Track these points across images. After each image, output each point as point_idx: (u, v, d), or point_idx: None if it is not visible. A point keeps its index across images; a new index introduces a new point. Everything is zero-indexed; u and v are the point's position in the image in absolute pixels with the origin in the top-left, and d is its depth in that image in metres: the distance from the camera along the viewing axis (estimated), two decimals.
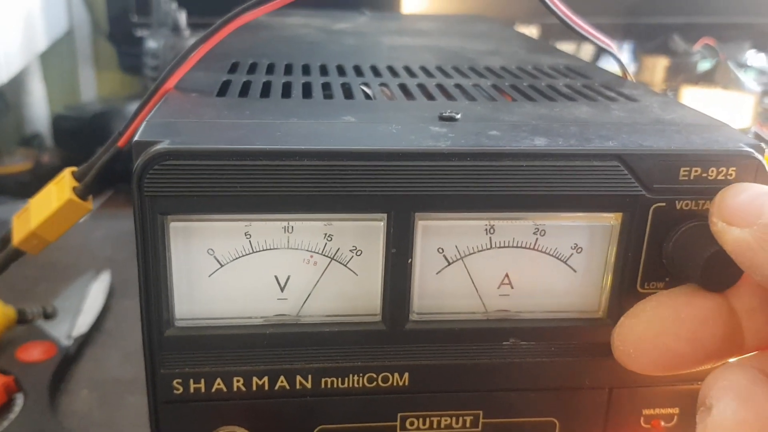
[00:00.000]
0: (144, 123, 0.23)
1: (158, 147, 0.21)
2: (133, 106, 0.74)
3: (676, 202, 0.23)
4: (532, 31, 0.77)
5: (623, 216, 0.24)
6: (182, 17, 0.63)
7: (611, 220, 0.24)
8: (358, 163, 0.22)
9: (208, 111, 0.25)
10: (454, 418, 0.25)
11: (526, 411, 0.26)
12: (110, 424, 0.38)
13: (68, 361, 0.43)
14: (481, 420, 0.26)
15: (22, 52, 0.60)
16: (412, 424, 0.25)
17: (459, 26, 0.51)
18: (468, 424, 0.25)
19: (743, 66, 0.93)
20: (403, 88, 0.30)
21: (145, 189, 0.21)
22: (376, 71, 0.34)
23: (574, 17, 0.31)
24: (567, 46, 0.81)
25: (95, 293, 0.50)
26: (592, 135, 0.24)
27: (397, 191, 0.22)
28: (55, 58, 0.82)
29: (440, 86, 0.31)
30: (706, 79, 0.48)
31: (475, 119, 0.25)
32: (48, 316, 0.46)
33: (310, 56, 0.37)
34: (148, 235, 0.22)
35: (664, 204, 0.23)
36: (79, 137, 0.73)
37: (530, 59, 0.38)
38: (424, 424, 0.25)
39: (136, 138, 0.22)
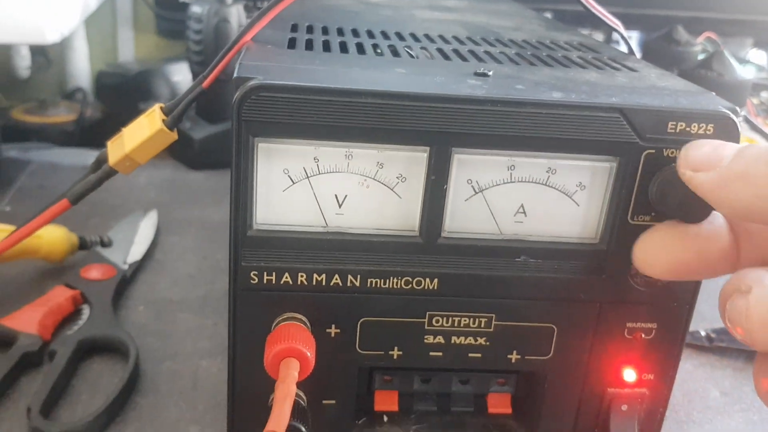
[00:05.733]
0: (239, 64, 0.29)
1: (253, 82, 0.27)
2: (170, 67, 0.79)
3: (664, 149, 0.29)
4: (546, 16, 0.82)
5: (620, 159, 0.29)
6: None
7: (610, 162, 0.29)
8: (410, 103, 0.27)
9: (285, 59, 0.31)
10: (471, 319, 0.31)
11: (530, 317, 0.31)
12: (164, 334, 0.44)
13: (125, 282, 0.48)
14: (493, 322, 0.31)
15: (78, 11, 0.65)
16: (437, 321, 0.31)
17: (483, 5, 0.56)
18: (482, 325, 0.31)
19: (743, 62, 0.98)
20: (440, 51, 0.36)
21: (243, 115, 0.27)
22: (415, 37, 0.39)
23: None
24: None
25: (144, 228, 0.55)
26: (599, 92, 0.29)
27: (440, 128, 0.28)
28: (98, 19, 0.87)
29: (472, 52, 0.36)
30: (704, 66, 0.54)
31: (503, 77, 0.31)
32: (104, 244, 0.51)
33: (355, 22, 0.42)
34: (241, 152, 0.27)
35: (653, 151, 0.29)
36: (121, 93, 0.79)
37: (549, 35, 0.43)
38: (447, 322, 0.31)
39: (236, 75, 0.27)
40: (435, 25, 0.45)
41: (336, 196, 0.29)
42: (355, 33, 0.39)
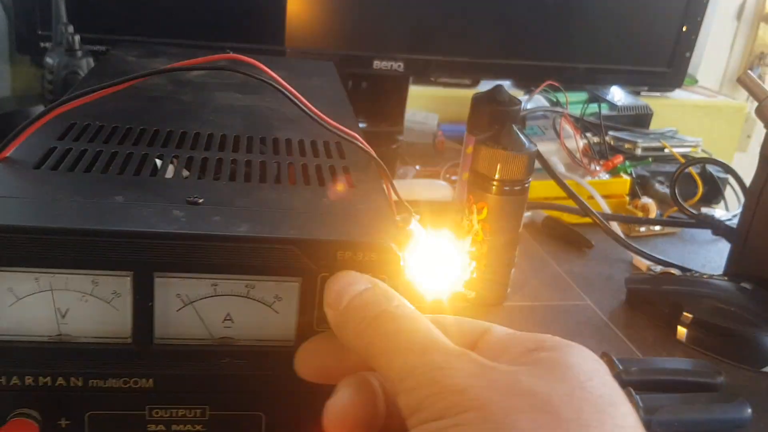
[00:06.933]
0: None
1: None
2: (32, 110, 0.81)
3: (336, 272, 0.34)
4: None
5: (301, 280, 0.35)
6: (77, 39, 0.71)
7: (296, 281, 0.35)
8: (109, 239, 0.32)
9: (19, 185, 0.35)
10: (187, 410, 0.36)
11: (240, 407, 0.37)
12: None
13: None
14: (208, 412, 0.36)
15: None
16: (157, 413, 0.36)
17: (298, 80, 0.60)
18: (198, 415, 0.36)
19: (601, 101, 1.05)
20: (189, 161, 0.41)
21: None
22: (182, 139, 0.44)
23: (323, 115, 0.42)
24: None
25: None
26: (284, 224, 0.35)
27: (139, 258, 0.33)
28: None
29: (219, 161, 0.41)
30: (492, 140, 0.60)
31: (213, 203, 0.36)
32: None
33: (141, 115, 0.46)
34: None
35: (327, 274, 0.34)
36: None
37: (318, 132, 0.48)
38: (166, 413, 0.36)
39: None
40: (220, 117, 0.50)
41: (58, 309, 0.34)
42: (126, 134, 0.43)
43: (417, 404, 0.26)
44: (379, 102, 0.97)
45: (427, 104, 1.12)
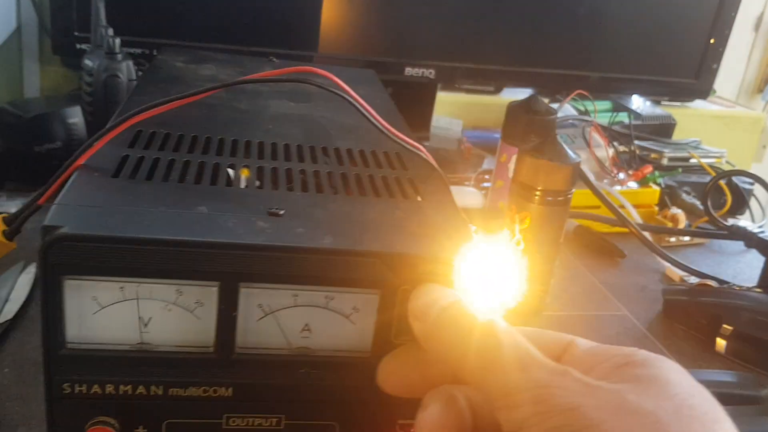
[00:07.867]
0: (54, 206, 0.33)
1: (59, 232, 0.31)
2: (68, 110, 0.80)
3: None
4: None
5: (381, 292, 0.35)
6: (117, 42, 0.71)
7: (375, 293, 0.35)
8: (199, 249, 0.32)
9: (102, 194, 0.35)
10: (264, 419, 0.36)
11: (315, 416, 0.37)
12: (24, 398, 0.48)
13: None
14: (284, 421, 0.37)
15: None
16: (234, 422, 0.36)
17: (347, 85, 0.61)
18: (274, 424, 0.37)
19: (622, 109, 1.06)
20: (259, 171, 0.41)
21: (49, 258, 0.31)
22: (247, 149, 0.44)
23: (388, 125, 0.42)
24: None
25: (22, 284, 0.59)
26: (366, 236, 0.35)
27: (226, 269, 0.33)
28: (4, 52, 0.89)
29: (288, 172, 0.41)
30: (537, 151, 0.60)
31: (294, 215, 0.36)
32: None
33: (202, 123, 0.47)
34: (48, 287, 0.32)
35: (408, 286, 0.34)
36: (18, 133, 0.81)
37: (376, 141, 0.49)
38: (242, 422, 0.36)
39: (45, 222, 0.32)
40: (278, 126, 0.50)
41: (141, 318, 0.34)
42: (193, 142, 0.44)
43: (522, 421, 0.26)
44: (404, 108, 0.97)
45: (450, 110, 1.12)
